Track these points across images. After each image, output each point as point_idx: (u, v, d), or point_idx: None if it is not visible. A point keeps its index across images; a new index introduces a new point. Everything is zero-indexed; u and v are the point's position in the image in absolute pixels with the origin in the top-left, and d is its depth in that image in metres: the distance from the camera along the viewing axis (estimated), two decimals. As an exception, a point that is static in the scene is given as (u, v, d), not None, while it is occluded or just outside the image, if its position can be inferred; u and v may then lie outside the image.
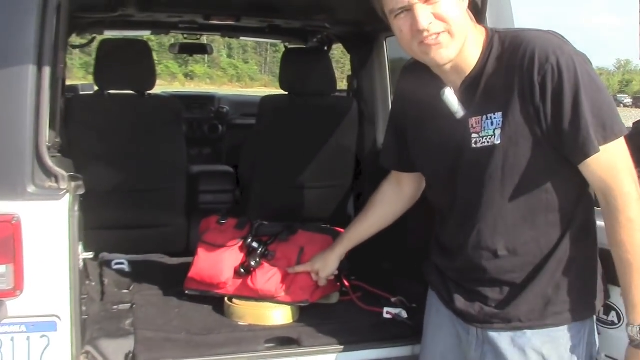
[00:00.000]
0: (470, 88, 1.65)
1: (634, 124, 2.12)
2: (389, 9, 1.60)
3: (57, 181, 1.76)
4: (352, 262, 2.35)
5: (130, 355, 1.97)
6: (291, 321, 2.25)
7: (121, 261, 2.78)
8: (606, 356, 1.85)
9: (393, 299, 2.39)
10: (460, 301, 1.76)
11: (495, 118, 1.61)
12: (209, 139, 5.22)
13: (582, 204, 1.66)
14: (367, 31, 3.51)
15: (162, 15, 3.54)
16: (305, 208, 3.45)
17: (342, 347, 2.07)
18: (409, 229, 2.20)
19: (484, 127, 1.62)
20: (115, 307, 2.30)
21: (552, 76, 1.53)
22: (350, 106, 3.46)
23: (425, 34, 1.55)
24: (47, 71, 1.76)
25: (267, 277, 2.28)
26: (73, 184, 1.78)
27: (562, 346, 1.67)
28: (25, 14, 1.74)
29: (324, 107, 3.41)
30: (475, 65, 1.64)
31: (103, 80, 3.14)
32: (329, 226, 2.60)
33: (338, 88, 3.57)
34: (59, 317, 1.76)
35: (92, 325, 2.06)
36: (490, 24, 1.91)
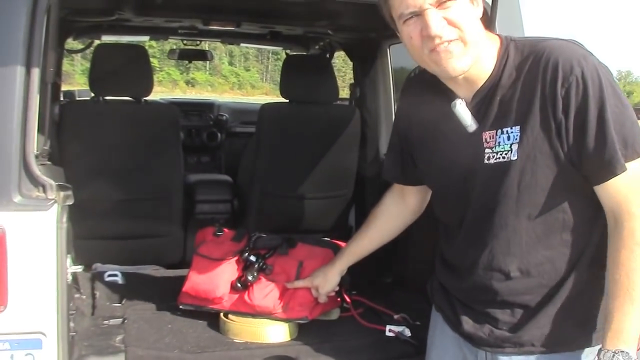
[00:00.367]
0: (484, 100, 1.57)
1: None
2: (397, 13, 1.51)
3: (44, 191, 1.71)
4: (353, 275, 2.28)
5: None
6: (289, 339, 2.19)
7: (114, 273, 2.73)
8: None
9: (396, 316, 2.33)
10: (468, 323, 1.68)
11: (512, 132, 1.52)
12: (207, 147, 5.16)
13: (598, 224, 1.57)
14: (371, 38, 3.46)
15: (160, 20, 3.48)
16: (305, 219, 3.39)
17: None
18: (412, 241, 2.13)
19: (499, 142, 1.54)
20: (106, 321, 2.26)
21: (576, 89, 1.45)
22: (352, 115, 3.39)
23: (437, 40, 1.47)
24: (35, 75, 1.71)
25: (265, 292, 2.22)
26: (61, 193, 1.71)
27: None
28: (14, 15, 1.69)
29: (326, 116, 3.35)
30: (490, 76, 1.56)
31: (99, 86, 3.07)
32: (329, 239, 2.54)
33: (339, 97, 3.51)
34: (44, 334, 1.70)
35: (80, 342, 2.01)
36: (499, 31, 1.84)
